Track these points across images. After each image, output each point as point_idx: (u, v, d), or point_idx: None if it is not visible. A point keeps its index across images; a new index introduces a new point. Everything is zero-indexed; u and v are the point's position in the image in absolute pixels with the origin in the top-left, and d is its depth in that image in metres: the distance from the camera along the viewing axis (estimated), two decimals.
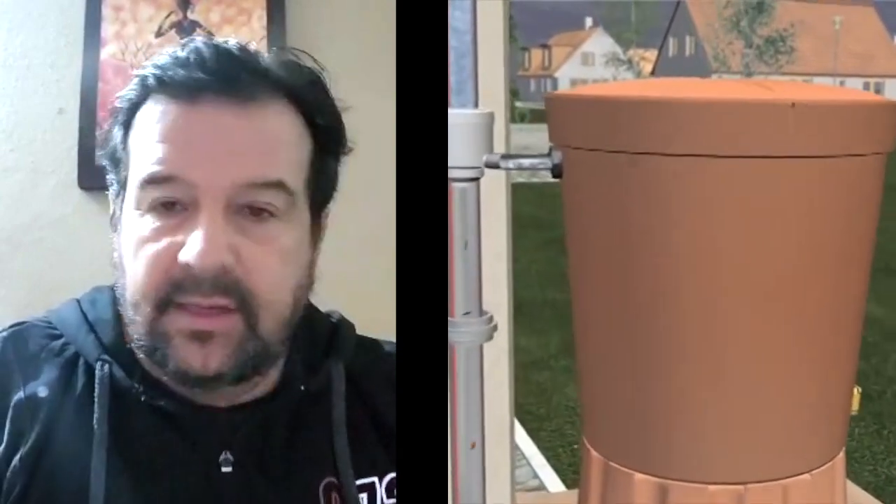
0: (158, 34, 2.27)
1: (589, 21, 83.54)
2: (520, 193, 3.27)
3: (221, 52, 1.19)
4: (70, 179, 2.23)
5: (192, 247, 1.13)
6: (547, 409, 5.24)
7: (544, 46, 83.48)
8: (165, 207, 1.16)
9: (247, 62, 1.20)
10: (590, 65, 76.19)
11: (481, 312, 1.51)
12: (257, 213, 1.17)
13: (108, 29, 2.24)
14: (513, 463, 2.14)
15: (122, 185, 1.22)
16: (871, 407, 5.26)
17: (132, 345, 1.21)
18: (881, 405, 5.39)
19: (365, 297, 1.69)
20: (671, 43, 68.40)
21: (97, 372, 1.20)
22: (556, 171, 1.46)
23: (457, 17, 1.43)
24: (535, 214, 10.76)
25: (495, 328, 1.54)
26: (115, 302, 1.25)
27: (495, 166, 1.48)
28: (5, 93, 2.24)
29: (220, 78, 1.17)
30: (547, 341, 6.41)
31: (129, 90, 1.22)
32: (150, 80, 1.19)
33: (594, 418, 1.58)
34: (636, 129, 1.34)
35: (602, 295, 1.48)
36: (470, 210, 1.47)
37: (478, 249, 1.50)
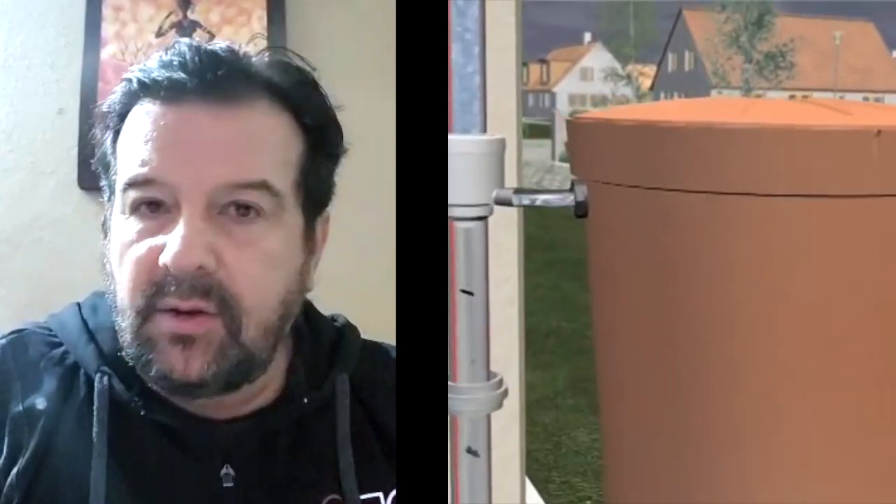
0: (159, 34, 2.27)
1: (587, 36, 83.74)
2: None
3: (203, 53, 1.18)
4: (70, 179, 2.23)
5: (170, 248, 1.12)
6: (555, 457, 4.61)
7: (542, 61, 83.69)
8: (149, 210, 1.15)
9: (230, 62, 1.19)
10: (588, 80, 76.43)
11: (489, 375, 1.30)
12: (244, 212, 1.16)
13: (108, 29, 2.24)
14: None
15: (112, 191, 1.21)
16: None
17: (122, 353, 1.19)
18: None
19: (366, 298, 1.69)
20: (670, 58, 68.61)
21: (96, 384, 1.19)
22: (581, 210, 1.27)
23: (462, 25, 1.26)
24: (535, 234, 10.57)
25: (505, 394, 1.33)
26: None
27: (507, 203, 1.27)
28: (5, 93, 2.24)
29: (201, 78, 1.16)
30: (553, 376, 5.66)
31: (116, 95, 1.22)
32: (134, 84, 1.19)
33: (623, 490, 1.38)
34: (688, 162, 1.14)
35: (643, 352, 1.27)
36: (476, 253, 1.27)
37: (485, 298, 1.29)
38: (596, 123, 1.31)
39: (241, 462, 1.21)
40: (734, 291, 1.14)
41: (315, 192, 1.25)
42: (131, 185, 1.15)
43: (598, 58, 72.96)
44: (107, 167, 1.22)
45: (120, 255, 1.16)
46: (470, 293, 1.26)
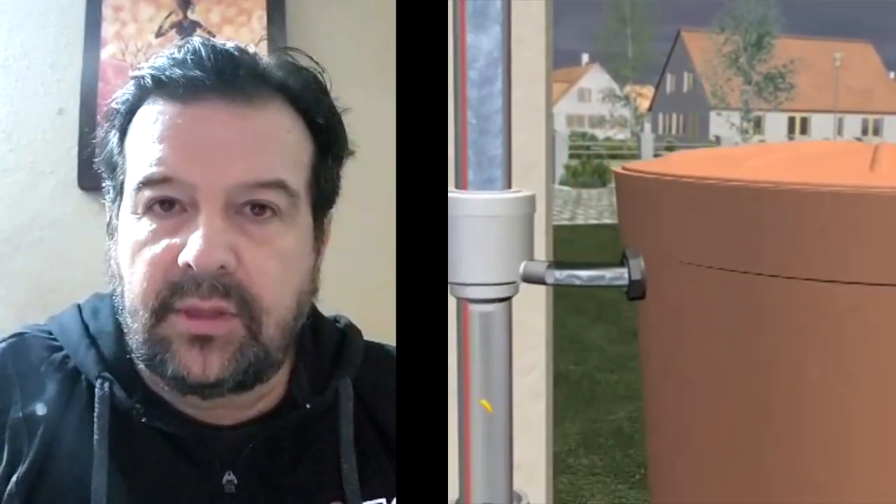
0: (159, 34, 2.26)
1: (585, 57, 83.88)
2: None
3: (219, 52, 1.18)
4: (70, 179, 2.22)
5: (192, 247, 1.11)
6: None
7: None
8: (163, 209, 1.14)
9: (245, 62, 1.19)
10: (586, 101, 76.55)
11: (511, 498, 1.07)
12: (259, 212, 1.15)
13: (108, 29, 2.24)
14: None
15: (119, 191, 1.20)
16: None
17: (132, 355, 1.18)
18: None
19: (366, 298, 1.68)
20: (669, 79, 68.73)
21: (97, 390, 1.18)
22: (637, 292, 1.01)
23: (477, 48, 1.01)
24: None
25: None
26: (116, 312, 1.22)
27: (539, 281, 1.03)
28: (5, 93, 2.23)
29: (218, 77, 1.16)
30: (564, 432, 4.78)
31: (125, 93, 1.21)
32: (147, 81, 1.18)
33: None
34: (801, 239, 0.97)
35: (710, 443, 1.14)
36: (497, 343, 1.03)
37: (508, 402, 1.04)
38: (662, 180, 1.09)
39: (243, 469, 1.20)
40: (837, 379, 1.03)
41: (324, 192, 1.25)
42: (146, 183, 1.14)
43: (595, 79, 73.10)
44: (113, 167, 1.21)
45: (132, 256, 1.15)
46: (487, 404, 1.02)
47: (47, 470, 1.15)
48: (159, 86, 1.17)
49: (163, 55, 1.20)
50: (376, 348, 1.39)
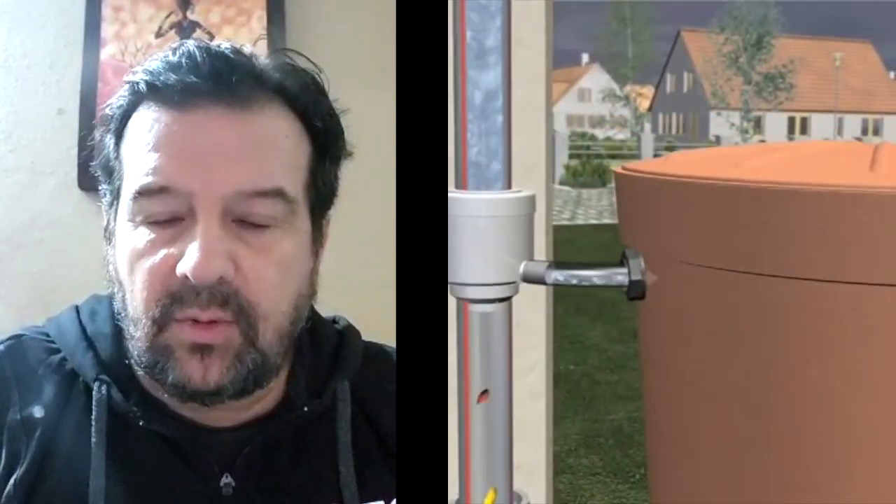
0: (158, 34, 2.27)
1: (585, 57, 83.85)
2: None
3: (214, 56, 1.17)
4: (70, 179, 2.23)
5: (190, 259, 1.10)
6: None
7: None
8: (160, 218, 1.13)
9: (241, 65, 1.18)
10: (586, 101, 76.53)
11: (511, 499, 1.08)
12: (257, 220, 1.15)
13: (108, 29, 2.24)
14: None
15: (115, 196, 1.19)
16: None
17: (132, 361, 1.18)
18: None
19: (366, 298, 1.68)
20: (669, 79, 68.70)
21: (94, 393, 1.17)
22: (637, 292, 1.05)
23: (478, 42, 1.02)
24: None
25: None
26: (114, 314, 1.22)
27: (539, 281, 1.04)
28: (5, 93, 2.24)
29: (214, 82, 1.15)
30: (565, 431, 4.82)
31: (120, 97, 1.20)
32: (141, 86, 1.17)
33: None
34: (801, 239, 0.96)
35: (710, 443, 1.14)
36: (497, 344, 1.04)
37: (507, 402, 1.05)
38: (665, 180, 1.07)
39: (240, 471, 1.20)
40: (839, 381, 1.03)
41: (322, 195, 1.25)
42: (143, 193, 1.13)
43: (595, 79, 73.07)
44: (110, 172, 1.20)
45: (130, 264, 1.14)
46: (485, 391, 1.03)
47: (45, 472, 1.15)
48: (154, 91, 1.16)
49: (157, 58, 1.19)
50: (375, 349, 1.38)
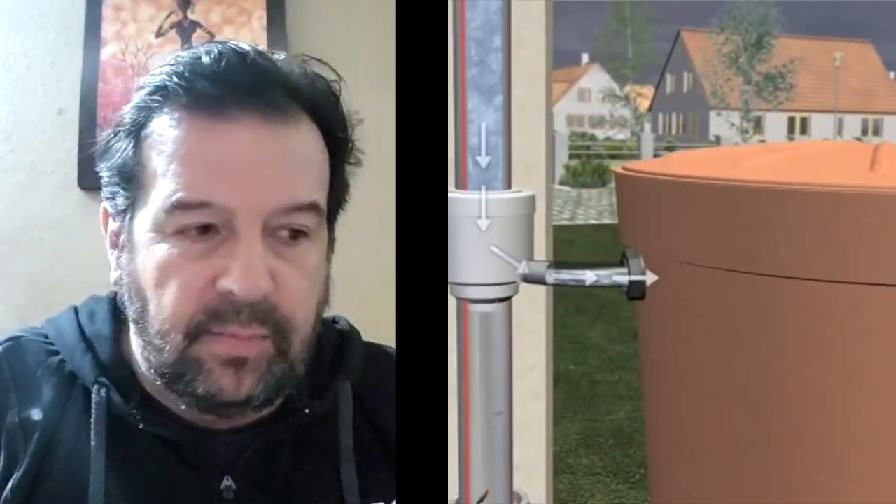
0: (159, 34, 2.27)
1: (585, 57, 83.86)
2: None
3: (247, 62, 1.14)
4: (70, 179, 2.23)
5: (235, 275, 1.09)
6: None
7: None
8: (198, 231, 1.10)
9: (273, 75, 1.15)
10: (586, 101, 76.53)
11: (512, 499, 1.07)
12: (294, 235, 1.13)
13: (108, 29, 2.24)
14: None
15: (133, 203, 1.15)
16: None
17: (153, 370, 1.15)
18: None
19: (366, 299, 1.68)
20: (668, 79, 68.71)
21: (94, 396, 1.16)
22: (637, 292, 1.02)
23: (476, 39, 1.01)
24: None
25: None
26: (114, 316, 1.22)
27: (539, 281, 1.03)
28: (5, 93, 2.24)
29: (249, 91, 1.12)
30: (565, 431, 4.75)
31: (146, 98, 1.15)
32: (170, 89, 1.13)
33: None
34: (801, 238, 0.97)
35: (710, 443, 1.14)
36: (496, 344, 1.03)
37: (507, 404, 1.04)
38: (665, 180, 1.08)
39: (241, 474, 1.20)
40: (838, 381, 1.03)
41: (338, 202, 1.24)
42: (179, 207, 1.09)
43: (595, 79, 73.09)
44: (128, 178, 1.16)
45: (159, 278, 1.11)
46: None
47: (44, 475, 1.15)
48: (184, 95, 1.13)
49: (184, 58, 1.15)
50: (376, 350, 1.38)
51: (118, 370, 1.19)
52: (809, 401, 1.05)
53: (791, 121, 60.60)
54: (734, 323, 1.07)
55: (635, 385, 5.23)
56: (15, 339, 1.24)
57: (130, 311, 1.17)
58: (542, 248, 1.63)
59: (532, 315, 1.67)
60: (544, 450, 1.66)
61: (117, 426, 1.17)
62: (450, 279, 1.04)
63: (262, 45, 2.22)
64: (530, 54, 1.69)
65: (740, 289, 1.04)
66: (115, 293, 1.21)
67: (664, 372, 1.22)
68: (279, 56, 1.19)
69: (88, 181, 2.18)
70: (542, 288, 1.49)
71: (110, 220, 1.20)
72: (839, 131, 58.25)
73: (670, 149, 33.80)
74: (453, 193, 1.03)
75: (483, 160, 1.03)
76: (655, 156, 22.13)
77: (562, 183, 22.03)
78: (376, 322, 1.37)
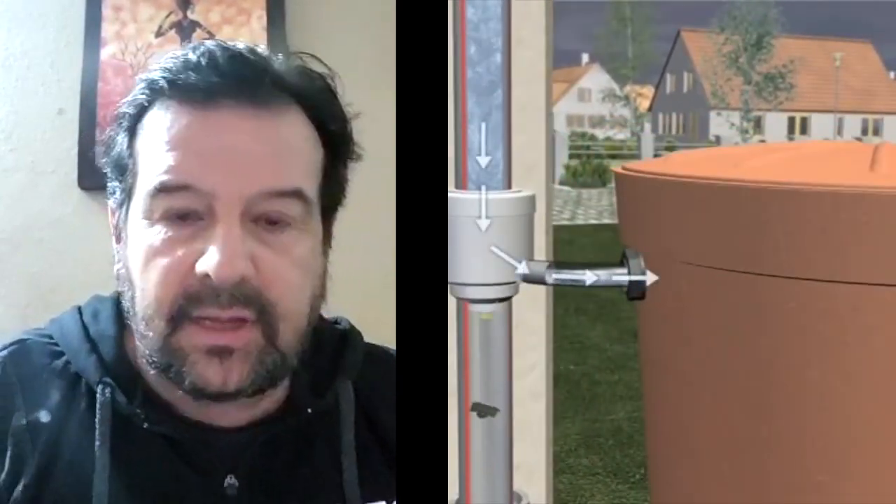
0: (158, 34, 2.26)
1: (585, 57, 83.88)
2: None
3: (234, 56, 1.17)
4: (70, 179, 2.22)
5: (211, 258, 1.10)
6: None
7: None
8: (179, 216, 1.12)
9: (260, 66, 1.17)
10: (586, 101, 76.55)
11: (512, 499, 1.07)
12: (275, 221, 1.15)
13: (108, 29, 2.24)
14: None
15: (128, 193, 1.18)
16: None
17: (143, 359, 1.17)
18: None
19: (366, 299, 1.68)
20: (669, 79, 68.72)
21: (98, 396, 1.17)
22: (637, 292, 1.03)
23: (477, 41, 1.02)
24: None
25: None
26: (118, 315, 1.22)
27: (539, 281, 1.04)
28: (5, 93, 2.24)
29: (235, 82, 1.15)
30: (565, 431, 4.71)
31: (137, 94, 1.19)
32: (161, 84, 1.16)
33: None
34: (801, 238, 0.97)
35: (710, 443, 1.13)
36: (497, 345, 1.04)
37: (508, 406, 1.04)
38: (665, 180, 1.08)
39: (244, 472, 1.20)
40: (838, 380, 1.03)
41: (334, 197, 1.25)
42: (162, 190, 1.12)
43: (595, 79, 73.11)
44: (122, 169, 1.19)
45: (145, 262, 1.14)
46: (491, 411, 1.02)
47: (51, 476, 1.15)
48: (173, 89, 1.16)
49: (175, 57, 1.19)
50: (377, 350, 1.38)
51: (122, 370, 1.20)
52: (809, 401, 1.06)
53: (791, 121, 60.62)
54: (734, 323, 1.07)
55: (635, 385, 5.23)
56: (20, 343, 1.24)
57: (125, 301, 1.19)
58: (542, 248, 1.64)
59: (532, 315, 1.68)
60: (544, 450, 1.67)
61: (121, 426, 1.17)
62: (450, 279, 1.05)
63: (262, 45, 2.23)
64: (530, 54, 1.69)
65: (740, 289, 1.04)
66: (119, 293, 1.22)
67: (664, 372, 1.22)
68: (274, 55, 1.21)
69: (88, 181, 2.18)
70: (541, 288, 1.50)
71: (112, 215, 1.22)
72: (839, 131, 58.27)
73: (670, 149, 33.80)
74: (453, 193, 1.04)
75: (483, 160, 1.05)
76: (655, 156, 22.12)
77: (562, 183, 22.02)
78: (376, 322, 1.37)
